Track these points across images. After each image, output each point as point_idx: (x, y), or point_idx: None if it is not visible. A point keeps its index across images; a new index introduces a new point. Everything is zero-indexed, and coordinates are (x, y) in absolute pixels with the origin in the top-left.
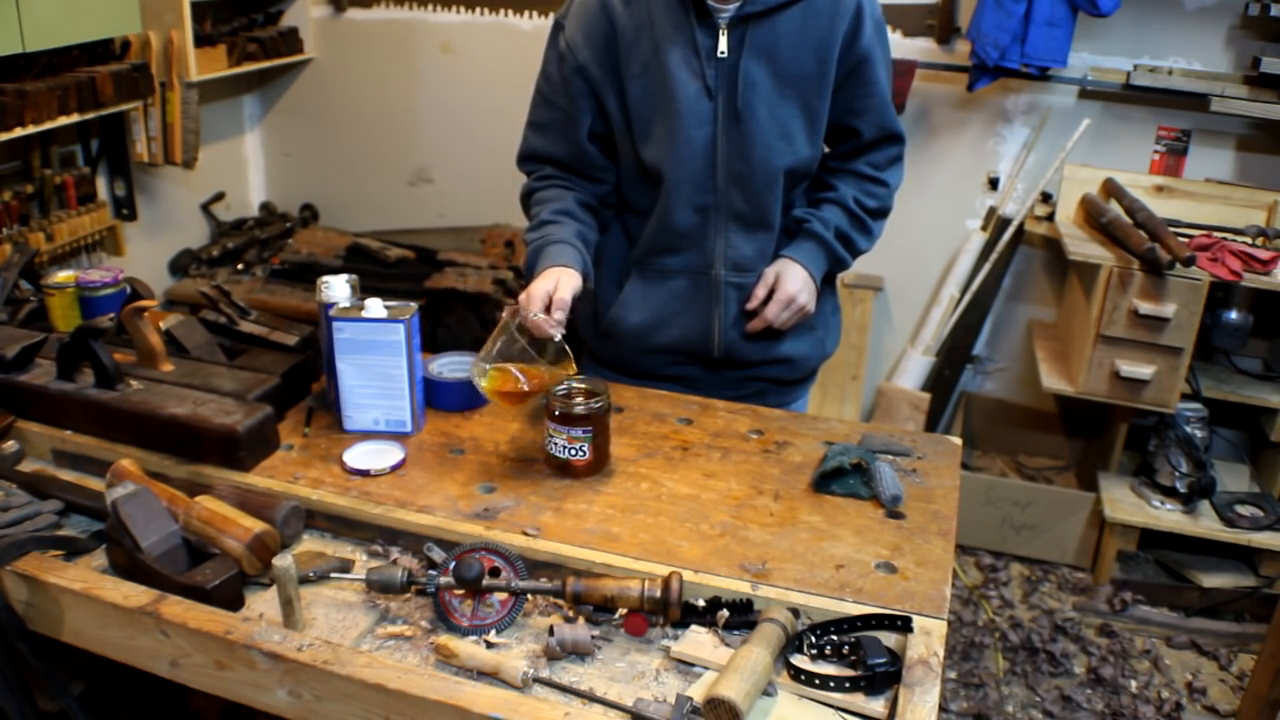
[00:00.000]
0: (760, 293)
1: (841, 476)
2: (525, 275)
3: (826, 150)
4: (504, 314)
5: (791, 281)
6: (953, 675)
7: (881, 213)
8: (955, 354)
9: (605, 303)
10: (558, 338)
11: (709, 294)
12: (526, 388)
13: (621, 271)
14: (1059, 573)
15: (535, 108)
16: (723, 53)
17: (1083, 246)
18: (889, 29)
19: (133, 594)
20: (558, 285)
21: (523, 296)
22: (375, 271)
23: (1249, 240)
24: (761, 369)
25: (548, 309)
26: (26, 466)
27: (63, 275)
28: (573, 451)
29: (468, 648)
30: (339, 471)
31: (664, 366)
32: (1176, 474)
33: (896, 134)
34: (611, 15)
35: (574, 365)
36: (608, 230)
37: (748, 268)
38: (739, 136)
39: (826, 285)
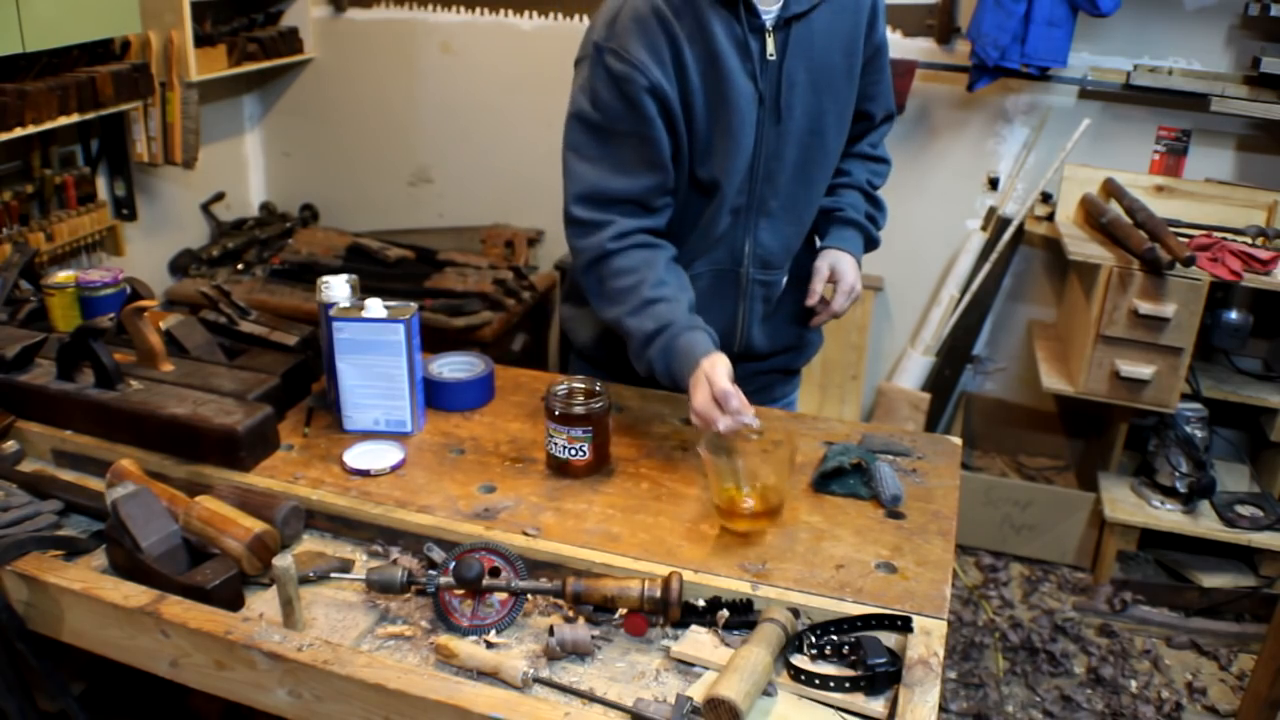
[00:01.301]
0: (819, 288)
1: (841, 476)
2: (663, 377)
3: None
4: (702, 452)
5: (850, 271)
6: (953, 675)
7: (881, 186)
8: (955, 354)
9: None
10: (756, 424)
11: (734, 291)
12: (755, 506)
13: None
14: (1059, 573)
15: (591, 145)
16: (771, 55)
17: (1083, 246)
18: (890, 29)
19: (133, 594)
20: (712, 382)
21: (695, 419)
22: (375, 271)
23: (1249, 240)
24: (772, 360)
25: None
26: (26, 466)
27: (63, 275)
28: (573, 451)
29: (468, 648)
30: (339, 471)
31: None
32: (1176, 474)
33: (893, 112)
34: (668, 25)
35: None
36: None
37: (774, 264)
38: (776, 136)
39: None
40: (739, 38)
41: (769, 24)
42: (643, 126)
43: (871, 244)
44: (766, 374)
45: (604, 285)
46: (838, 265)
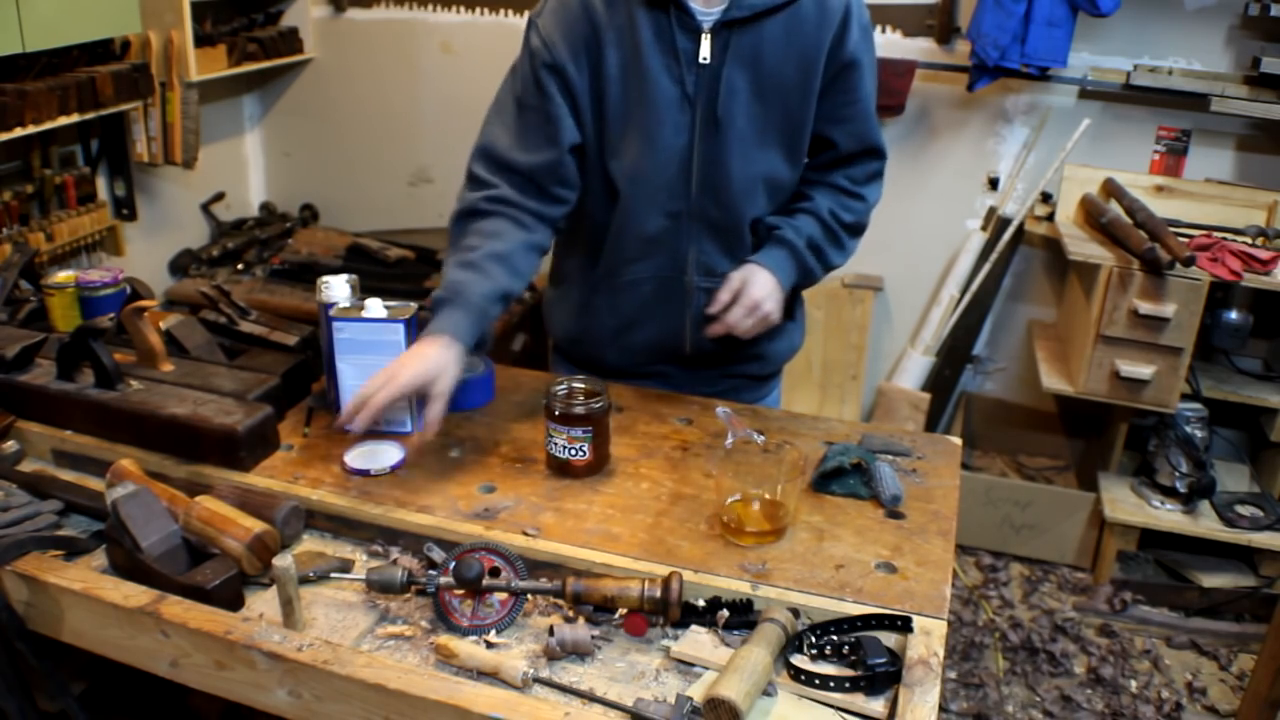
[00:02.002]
0: (724, 297)
1: (841, 476)
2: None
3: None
4: (714, 470)
5: (758, 287)
6: (953, 675)
7: (857, 229)
8: (955, 354)
9: (573, 316)
10: (760, 439)
11: (680, 298)
12: (762, 525)
13: (588, 288)
14: (1059, 573)
15: (505, 111)
16: (705, 59)
17: (1083, 246)
18: (890, 29)
19: (133, 594)
20: (392, 379)
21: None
22: (375, 271)
23: (1249, 240)
24: (735, 365)
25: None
26: (26, 466)
27: (63, 275)
28: (573, 451)
29: (468, 648)
30: (339, 471)
31: (638, 365)
32: (1176, 474)
33: (877, 148)
34: (592, 15)
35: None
36: (571, 251)
37: (720, 272)
38: (716, 144)
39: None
40: (666, 36)
41: (706, 26)
42: (545, 103)
43: (808, 275)
44: (731, 378)
45: (461, 239)
46: (749, 279)
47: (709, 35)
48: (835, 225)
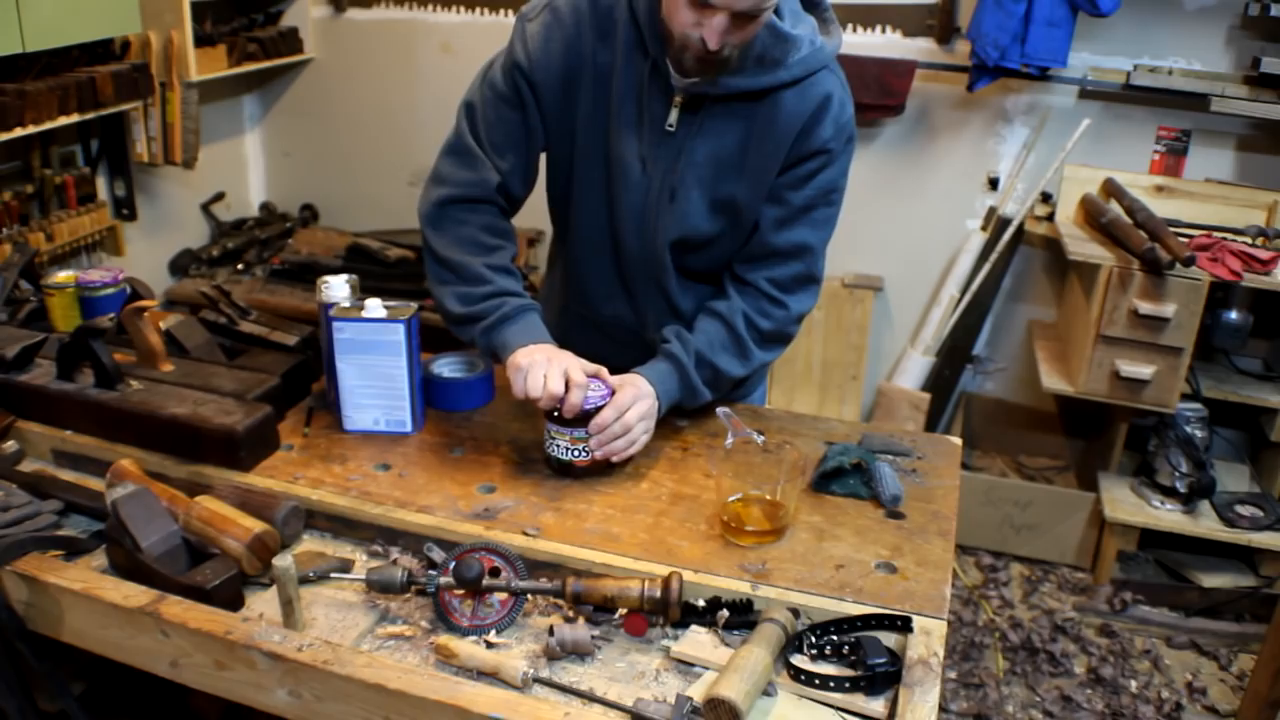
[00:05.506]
0: (609, 415)
1: (841, 476)
2: (490, 334)
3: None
4: (713, 469)
5: (613, 410)
6: (953, 675)
7: (775, 337)
8: (955, 354)
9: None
10: (760, 439)
11: (643, 351)
12: (761, 524)
13: (559, 311)
14: (1059, 573)
15: (485, 101)
16: (671, 126)
17: (1083, 246)
18: (890, 29)
19: (133, 594)
20: (570, 377)
21: (527, 387)
22: (375, 271)
23: (1249, 240)
24: None
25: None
26: (26, 466)
27: (63, 275)
28: (576, 453)
29: (468, 648)
30: (339, 471)
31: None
32: (1176, 474)
33: (806, 249)
34: (580, 46)
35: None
36: (551, 284)
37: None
38: (671, 211)
39: None
40: (640, 95)
41: (679, 94)
42: (522, 109)
43: (694, 395)
44: None
45: (467, 229)
46: (630, 387)
47: (679, 104)
48: (746, 332)
